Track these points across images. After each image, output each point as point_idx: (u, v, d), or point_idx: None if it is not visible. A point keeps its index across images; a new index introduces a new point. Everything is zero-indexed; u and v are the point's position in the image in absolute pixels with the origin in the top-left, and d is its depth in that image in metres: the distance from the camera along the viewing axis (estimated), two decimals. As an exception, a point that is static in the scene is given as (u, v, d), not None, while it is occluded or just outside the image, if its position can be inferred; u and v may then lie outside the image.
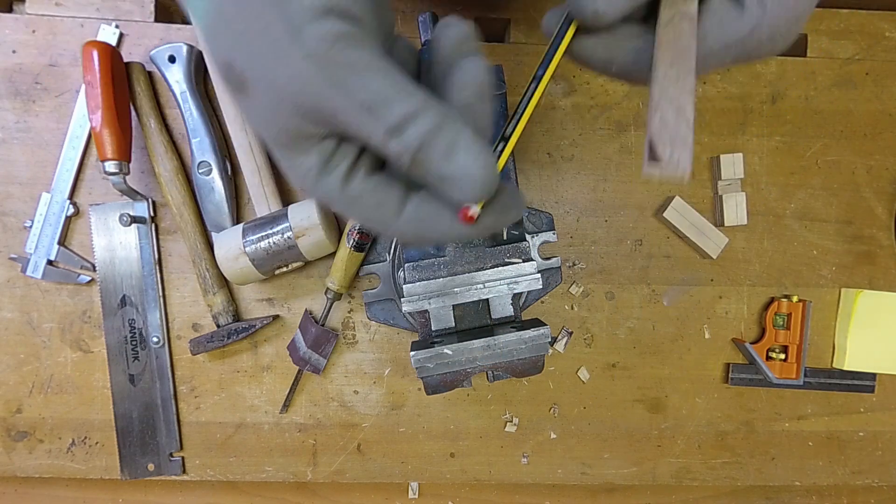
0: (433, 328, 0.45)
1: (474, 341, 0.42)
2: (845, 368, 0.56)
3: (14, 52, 0.51)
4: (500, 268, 0.43)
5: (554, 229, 0.51)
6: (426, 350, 0.42)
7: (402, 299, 0.43)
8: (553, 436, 0.56)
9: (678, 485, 0.57)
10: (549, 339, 0.43)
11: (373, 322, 0.54)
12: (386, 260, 0.52)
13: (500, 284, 0.42)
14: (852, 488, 0.60)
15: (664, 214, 0.54)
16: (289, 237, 0.48)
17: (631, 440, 0.56)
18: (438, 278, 0.43)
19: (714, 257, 0.55)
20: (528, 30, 0.55)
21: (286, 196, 0.54)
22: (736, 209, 0.55)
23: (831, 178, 0.57)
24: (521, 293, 0.48)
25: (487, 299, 0.45)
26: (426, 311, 0.45)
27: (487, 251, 0.43)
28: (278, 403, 0.54)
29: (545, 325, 0.43)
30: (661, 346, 0.56)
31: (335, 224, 0.52)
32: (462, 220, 0.25)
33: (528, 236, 0.50)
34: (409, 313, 0.51)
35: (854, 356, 0.56)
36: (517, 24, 0.55)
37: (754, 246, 0.56)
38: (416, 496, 0.57)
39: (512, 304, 0.46)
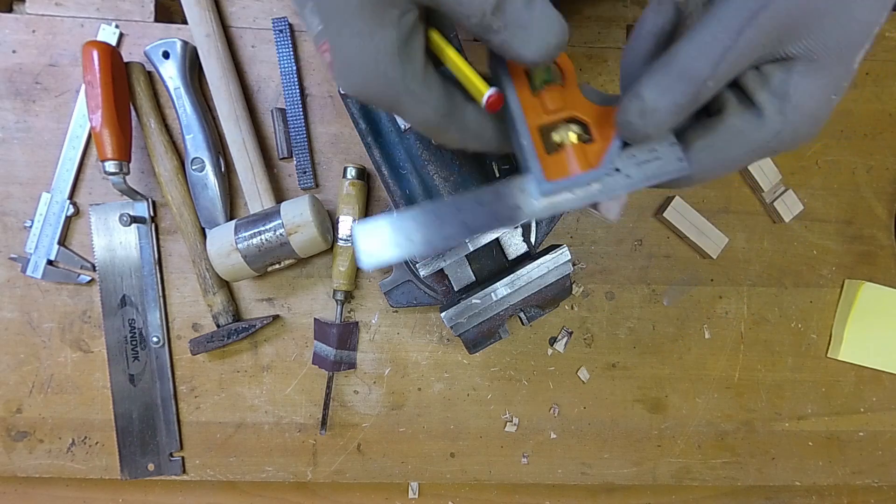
0: (456, 289, 0.45)
1: (497, 283, 0.42)
2: (840, 359, 0.56)
3: (14, 52, 0.51)
4: None
5: None
6: (455, 307, 0.42)
7: (417, 266, 0.43)
8: (553, 436, 0.56)
9: (678, 485, 0.57)
10: (570, 260, 0.43)
11: (373, 322, 0.54)
12: None
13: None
14: (852, 488, 0.60)
15: (664, 214, 0.54)
16: (281, 234, 0.48)
17: (631, 440, 0.56)
18: None
19: (714, 257, 0.55)
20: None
21: (279, 193, 0.54)
22: (789, 206, 0.56)
23: (831, 178, 0.57)
24: (530, 227, 0.48)
25: (500, 244, 0.45)
26: (443, 271, 0.44)
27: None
28: (278, 403, 0.54)
29: (562, 244, 0.43)
30: (661, 346, 0.56)
31: (327, 221, 0.52)
32: (487, 105, 0.27)
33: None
34: (430, 283, 0.50)
35: (849, 347, 0.56)
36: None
37: (754, 246, 0.56)
38: (416, 496, 0.57)
39: (524, 239, 0.45)
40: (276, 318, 0.54)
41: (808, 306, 0.57)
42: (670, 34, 0.28)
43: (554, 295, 0.44)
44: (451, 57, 0.28)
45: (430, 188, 0.43)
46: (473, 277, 0.45)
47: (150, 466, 0.53)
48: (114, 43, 0.51)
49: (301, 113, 0.53)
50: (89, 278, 0.52)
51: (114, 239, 0.52)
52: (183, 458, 0.54)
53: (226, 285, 0.53)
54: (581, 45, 0.55)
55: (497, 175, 0.43)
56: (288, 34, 0.52)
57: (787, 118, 0.27)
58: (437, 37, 0.29)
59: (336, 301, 0.53)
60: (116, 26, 0.52)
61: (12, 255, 0.52)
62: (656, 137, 0.28)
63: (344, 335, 0.53)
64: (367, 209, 0.54)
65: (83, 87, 0.50)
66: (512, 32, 0.25)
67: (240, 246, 0.48)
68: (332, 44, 0.26)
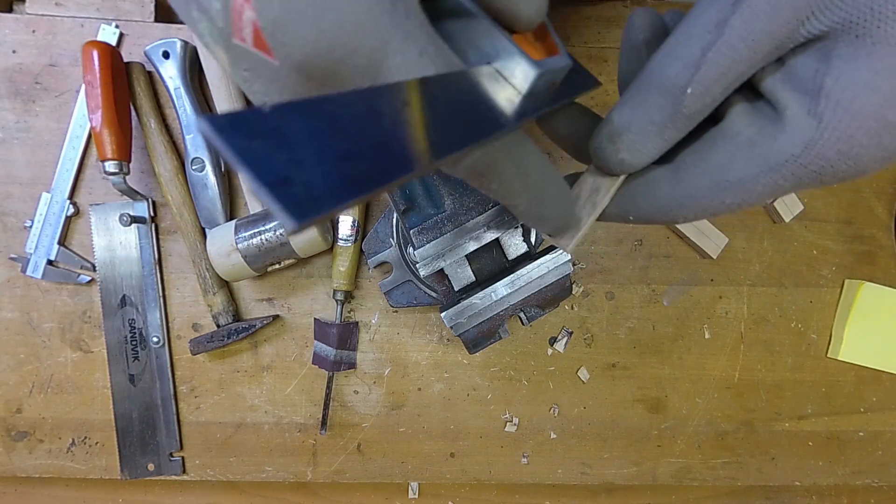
0: (455, 289, 0.45)
1: (497, 283, 0.42)
2: (840, 359, 0.56)
3: (14, 52, 0.51)
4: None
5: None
6: (455, 307, 0.42)
7: (417, 265, 0.43)
8: (553, 436, 0.56)
9: (678, 485, 0.57)
10: (570, 260, 0.43)
11: (373, 322, 0.54)
12: (391, 245, 0.51)
13: (506, 218, 0.42)
14: (852, 488, 0.60)
15: (664, 214, 0.54)
16: (281, 234, 0.48)
17: (631, 440, 0.56)
18: (446, 233, 0.42)
19: (714, 257, 0.55)
20: (528, 30, 0.55)
21: (286, 196, 0.54)
22: (789, 206, 0.56)
23: (831, 178, 0.57)
24: (531, 228, 0.48)
25: (500, 244, 0.45)
26: (443, 271, 0.45)
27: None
28: (278, 403, 0.54)
29: None
30: (661, 346, 0.56)
31: (327, 221, 0.52)
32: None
33: None
34: (430, 283, 0.51)
35: (850, 347, 0.56)
36: (517, 24, 0.55)
37: (754, 246, 0.56)
38: (416, 496, 0.57)
39: (524, 240, 0.46)
40: (276, 318, 0.54)
41: (808, 306, 0.57)
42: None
43: (554, 295, 0.44)
44: None
45: (430, 188, 0.43)
46: (473, 277, 0.45)
47: (150, 466, 0.53)
48: (114, 43, 0.51)
49: (301, 113, 0.53)
50: (89, 278, 0.52)
51: (114, 239, 0.52)
52: (183, 458, 0.54)
53: (226, 285, 0.53)
54: (581, 44, 0.55)
55: None
56: (288, 34, 0.52)
57: (825, 121, 0.18)
58: None
59: (336, 301, 0.53)
60: (116, 26, 0.52)
61: (12, 255, 0.52)
62: (636, 167, 0.23)
63: (344, 335, 0.53)
64: (367, 209, 0.54)
65: (83, 87, 0.50)
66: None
67: (240, 246, 0.48)
68: None
